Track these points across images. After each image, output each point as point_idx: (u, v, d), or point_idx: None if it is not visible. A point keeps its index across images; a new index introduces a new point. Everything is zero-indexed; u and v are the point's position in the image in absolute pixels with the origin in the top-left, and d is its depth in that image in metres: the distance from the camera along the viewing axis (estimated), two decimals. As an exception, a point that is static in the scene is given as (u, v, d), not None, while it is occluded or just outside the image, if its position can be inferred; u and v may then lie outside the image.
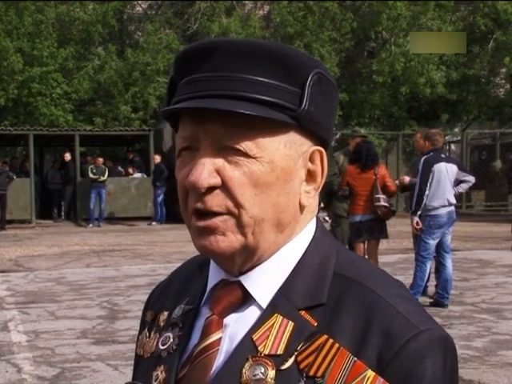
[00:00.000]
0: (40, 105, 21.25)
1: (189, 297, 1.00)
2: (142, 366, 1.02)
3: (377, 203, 7.92)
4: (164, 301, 1.05)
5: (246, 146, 0.89)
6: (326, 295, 0.91)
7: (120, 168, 21.44)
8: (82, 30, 22.70)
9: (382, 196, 7.95)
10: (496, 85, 26.03)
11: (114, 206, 19.87)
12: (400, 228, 13.02)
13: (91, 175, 19.14)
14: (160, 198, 19.41)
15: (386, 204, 7.99)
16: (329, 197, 9.26)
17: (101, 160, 19.63)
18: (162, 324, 1.02)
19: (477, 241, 14.34)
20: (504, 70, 24.94)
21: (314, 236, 0.97)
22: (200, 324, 0.96)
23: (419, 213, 7.64)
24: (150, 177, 19.86)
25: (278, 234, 0.93)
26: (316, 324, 0.89)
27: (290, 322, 0.90)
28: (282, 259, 0.94)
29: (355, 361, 0.85)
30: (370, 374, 0.85)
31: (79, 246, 14.47)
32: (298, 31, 22.79)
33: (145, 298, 1.16)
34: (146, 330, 1.05)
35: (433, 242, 7.71)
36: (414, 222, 7.69)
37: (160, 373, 0.96)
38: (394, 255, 11.73)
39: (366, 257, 8.26)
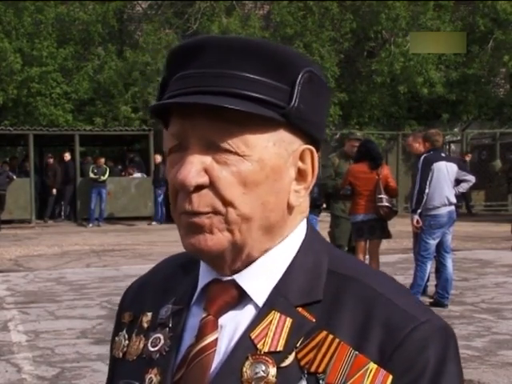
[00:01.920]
0: (40, 105, 21.24)
1: (175, 297, 0.99)
2: (126, 369, 0.99)
3: (379, 203, 7.90)
4: (143, 301, 1.04)
5: (235, 143, 0.88)
6: (321, 292, 0.91)
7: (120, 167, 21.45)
8: (81, 30, 22.69)
9: (384, 196, 7.94)
10: (496, 85, 26.03)
11: (114, 206, 19.85)
12: (400, 228, 13.01)
13: (92, 175, 19.13)
14: (160, 198, 19.41)
15: (388, 204, 7.97)
16: (326, 198, 9.28)
17: (102, 160, 19.60)
18: (145, 325, 1.00)
19: (477, 241, 14.34)
20: (504, 69, 24.93)
21: (305, 236, 0.96)
22: (192, 324, 0.95)
23: (419, 211, 7.64)
24: (150, 177, 19.86)
25: (266, 233, 0.92)
26: (314, 320, 0.89)
27: (289, 318, 0.89)
28: (276, 258, 0.94)
29: (356, 355, 0.86)
30: (373, 366, 0.85)
31: (79, 245, 14.47)
32: (298, 31, 22.79)
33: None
34: (125, 331, 1.03)
35: (433, 242, 7.71)
36: (414, 220, 7.68)
37: (154, 376, 0.94)
38: (394, 255, 11.73)
39: (367, 256, 8.26)
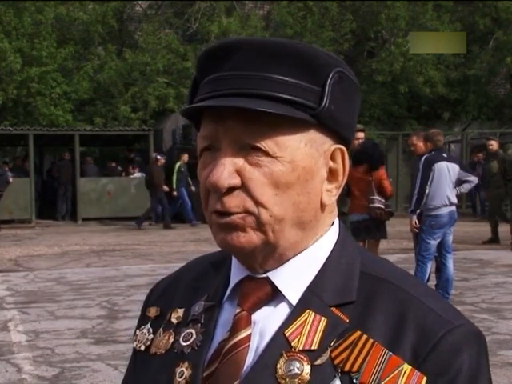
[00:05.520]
0: (39, 105, 21.23)
1: (207, 294, 1.00)
2: (153, 362, 1.00)
3: (371, 205, 7.85)
4: (172, 298, 1.05)
5: (267, 144, 0.89)
6: (355, 293, 0.92)
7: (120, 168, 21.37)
8: (81, 30, 22.69)
9: (376, 197, 7.87)
10: (496, 85, 26.02)
11: (114, 206, 19.84)
12: (400, 228, 13.01)
13: (181, 172, 18.15)
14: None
15: (380, 205, 7.90)
16: None
17: (186, 156, 18.45)
18: (175, 321, 1.01)
19: (477, 241, 14.33)
20: (504, 69, 24.93)
21: (338, 237, 0.98)
22: (224, 320, 0.96)
23: (418, 211, 7.64)
24: (150, 177, 19.81)
25: (299, 233, 0.93)
26: (348, 320, 0.90)
27: (323, 317, 0.90)
28: (310, 258, 0.95)
29: (391, 355, 0.87)
30: (407, 367, 0.86)
31: (79, 245, 14.46)
32: (298, 31, 22.79)
33: (145, 297, 1.15)
34: (149, 325, 1.04)
35: (434, 242, 7.71)
36: (413, 221, 7.67)
37: (185, 369, 0.95)
38: (394, 255, 11.72)
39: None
